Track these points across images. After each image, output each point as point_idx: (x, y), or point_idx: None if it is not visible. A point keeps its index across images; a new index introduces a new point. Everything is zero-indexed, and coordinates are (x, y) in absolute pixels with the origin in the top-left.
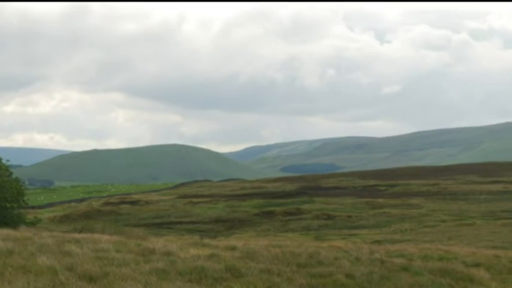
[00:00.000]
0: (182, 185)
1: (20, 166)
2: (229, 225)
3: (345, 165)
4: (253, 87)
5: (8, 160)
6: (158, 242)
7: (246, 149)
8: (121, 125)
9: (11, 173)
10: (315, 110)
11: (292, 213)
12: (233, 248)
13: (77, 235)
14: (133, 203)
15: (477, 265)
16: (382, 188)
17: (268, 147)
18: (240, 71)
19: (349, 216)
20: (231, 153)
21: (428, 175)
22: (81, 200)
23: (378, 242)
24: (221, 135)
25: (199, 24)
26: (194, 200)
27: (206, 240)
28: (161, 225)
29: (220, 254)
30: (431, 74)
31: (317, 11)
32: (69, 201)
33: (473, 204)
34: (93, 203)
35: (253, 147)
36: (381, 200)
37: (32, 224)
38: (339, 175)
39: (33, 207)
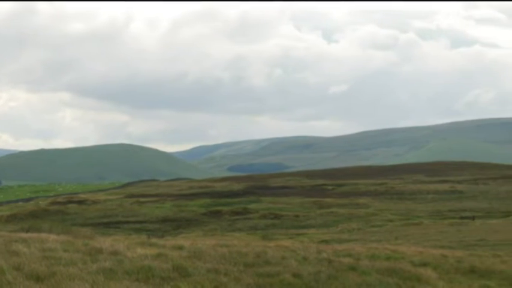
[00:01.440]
0: (129, 184)
1: None
2: (177, 224)
3: (292, 164)
4: (201, 87)
5: None
6: (105, 242)
7: (194, 149)
8: (68, 125)
9: None
10: (262, 110)
11: (240, 212)
12: (180, 248)
13: (24, 235)
14: (80, 202)
15: (424, 265)
16: (330, 187)
17: (216, 147)
18: (187, 71)
19: (297, 216)
20: (178, 152)
21: (376, 175)
22: (28, 200)
23: (326, 241)
24: (168, 135)
25: (146, 23)
26: (141, 199)
27: (153, 240)
28: (108, 224)
29: (167, 254)
30: (378, 74)
31: (264, 10)
32: (16, 201)
33: (420, 204)
34: (40, 202)
35: (201, 146)
36: (328, 200)
37: None
38: (287, 175)
39: None
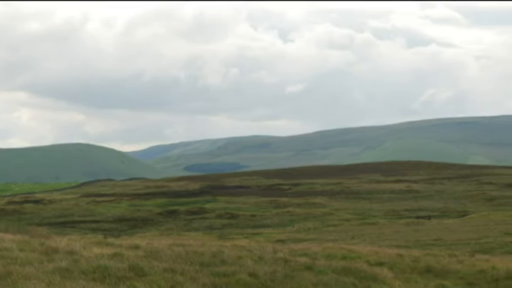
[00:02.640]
0: (85, 184)
1: None
2: (133, 224)
3: (248, 164)
4: (157, 86)
5: None
6: (62, 241)
7: (150, 148)
8: (24, 124)
9: None
10: (218, 109)
11: (196, 212)
12: (136, 247)
13: None
14: (36, 202)
15: (380, 264)
16: (286, 187)
17: (172, 146)
18: (143, 70)
19: (253, 216)
20: (134, 152)
21: (332, 174)
22: None
23: (282, 241)
24: (125, 134)
25: (103, 23)
26: (97, 199)
27: (109, 239)
28: (65, 224)
29: (123, 253)
30: (334, 73)
31: (220, 10)
32: None
33: (376, 204)
34: None
35: (157, 146)
36: (284, 199)
37: None
38: (243, 174)
39: None
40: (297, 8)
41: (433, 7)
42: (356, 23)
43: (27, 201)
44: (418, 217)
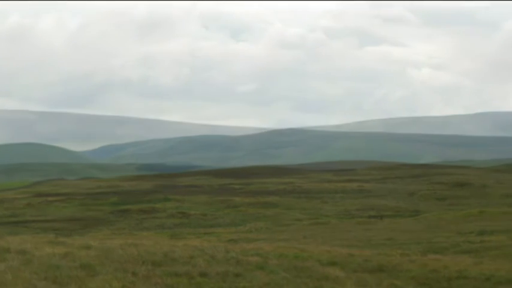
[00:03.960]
0: (37, 183)
1: None
2: (84, 223)
3: (200, 163)
4: (108, 86)
5: None
6: (13, 241)
7: (102, 148)
8: None
9: None
10: (170, 109)
11: (148, 211)
12: (88, 247)
13: None
14: None
15: (332, 264)
16: (237, 186)
17: (124, 146)
18: (95, 70)
19: (205, 215)
20: (86, 151)
21: (284, 174)
22: None
23: (234, 240)
24: (77, 134)
25: (54, 23)
26: (49, 198)
27: (61, 239)
28: (17, 223)
29: (75, 253)
30: (286, 72)
31: (172, 9)
32: None
33: (328, 203)
34: None
35: (109, 145)
36: (236, 199)
37: None
38: (195, 173)
39: None
40: (249, 8)
41: (384, 7)
42: (308, 22)
43: None
44: (370, 217)
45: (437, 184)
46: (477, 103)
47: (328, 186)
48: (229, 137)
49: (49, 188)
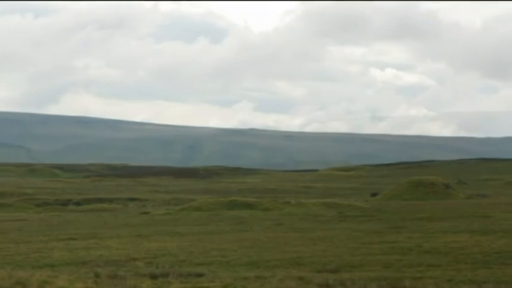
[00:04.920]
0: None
1: None
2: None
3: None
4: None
5: None
6: None
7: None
8: None
9: None
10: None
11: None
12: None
13: None
14: None
15: None
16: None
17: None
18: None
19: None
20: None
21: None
22: None
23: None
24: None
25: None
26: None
27: None
28: None
29: None
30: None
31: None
32: None
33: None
34: None
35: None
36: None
37: None
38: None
39: None
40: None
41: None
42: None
43: None
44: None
45: (401, 184)
46: (440, 103)
47: (290, 186)
48: (192, 138)
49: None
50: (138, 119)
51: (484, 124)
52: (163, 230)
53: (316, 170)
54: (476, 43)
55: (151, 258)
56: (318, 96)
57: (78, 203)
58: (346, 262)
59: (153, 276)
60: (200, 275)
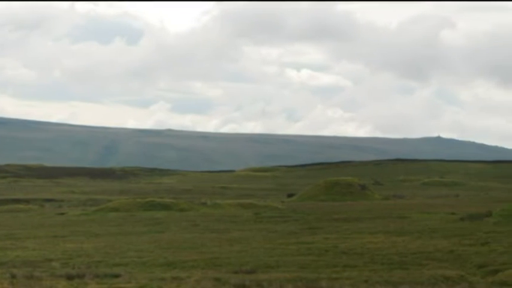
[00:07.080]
0: None
1: None
2: None
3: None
4: None
5: None
6: None
7: None
8: None
9: None
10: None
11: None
12: None
13: None
14: None
15: None
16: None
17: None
18: None
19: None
20: None
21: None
22: None
23: None
24: None
25: None
26: None
27: None
28: None
29: None
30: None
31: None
32: None
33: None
34: None
35: None
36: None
37: None
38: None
39: None
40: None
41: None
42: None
43: None
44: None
45: (317, 185)
46: (357, 104)
47: (207, 186)
48: (108, 138)
49: None
50: (54, 119)
51: (400, 125)
52: (80, 230)
53: (233, 171)
54: (392, 44)
55: (68, 259)
56: (234, 97)
57: None
58: (262, 263)
59: (69, 277)
60: (116, 276)
